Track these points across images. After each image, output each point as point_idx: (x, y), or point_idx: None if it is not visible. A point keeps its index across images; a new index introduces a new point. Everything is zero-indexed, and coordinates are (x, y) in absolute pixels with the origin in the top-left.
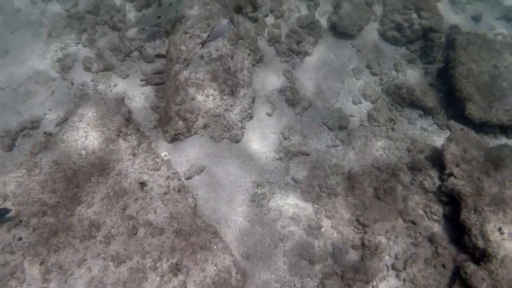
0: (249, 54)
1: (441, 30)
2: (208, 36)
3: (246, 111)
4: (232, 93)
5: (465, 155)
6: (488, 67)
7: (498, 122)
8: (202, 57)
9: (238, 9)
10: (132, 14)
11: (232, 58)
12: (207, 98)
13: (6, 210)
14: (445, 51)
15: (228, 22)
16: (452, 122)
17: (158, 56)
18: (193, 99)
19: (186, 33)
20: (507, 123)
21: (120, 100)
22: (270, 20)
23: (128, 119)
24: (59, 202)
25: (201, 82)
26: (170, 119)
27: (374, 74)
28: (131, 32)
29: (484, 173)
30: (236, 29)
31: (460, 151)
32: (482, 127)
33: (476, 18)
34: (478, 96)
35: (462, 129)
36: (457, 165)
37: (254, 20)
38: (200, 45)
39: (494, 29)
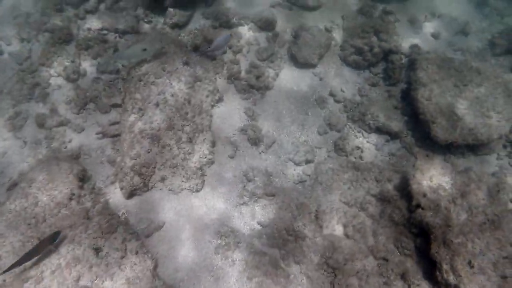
0: (207, 96)
1: (400, 51)
2: (209, 47)
3: (206, 157)
4: (190, 140)
5: (431, 184)
6: (449, 87)
7: (464, 142)
8: (157, 105)
9: (195, 48)
10: (87, 63)
11: (189, 102)
12: (163, 149)
13: (58, 233)
14: (407, 71)
15: (230, 35)
16: (417, 149)
17: (114, 105)
18: (148, 152)
19: (140, 80)
20: (472, 142)
21: (74, 158)
22: (228, 56)
23: (83, 178)
24: (4, 280)
25: (157, 132)
26: (126, 175)
27: (338, 102)
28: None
29: (451, 202)
30: (193, 70)
31: (427, 180)
32: (449, 147)
33: (435, 36)
34: (442, 117)
35: (427, 155)
36: (424, 195)
37: (212, 58)
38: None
39: (453, 45)
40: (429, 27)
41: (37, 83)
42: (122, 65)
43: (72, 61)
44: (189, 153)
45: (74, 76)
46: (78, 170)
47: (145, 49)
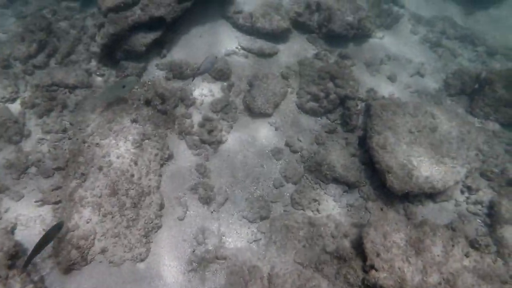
0: (156, 155)
1: (357, 96)
2: (198, 69)
3: (152, 222)
4: (135, 204)
5: (385, 242)
6: (404, 133)
7: (420, 191)
8: (101, 168)
9: (147, 103)
10: (32, 122)
11: (136, 163)
12: (104, 218)
13: (62, 222)
14: (364, 117)
15: (216, 57)
16: (370, 203)
17: (58, 169)
18: (88, 222)
19: (84, 142)
20: (429, 190)
21: (7, 232)
22: (180, 110)
23: (15, 255)
24: None
25: (98, 199)
26: (62, 249)
27: (294, 152)
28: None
29: (406, 261)
30: (142, 128)
31: (380, 238)
32: (407, 195)
33: (391, 78)
34: (397, 166)
35: (382, 209)
36: (378, 255)
37: (163, 112)
38: (192, 79)
39: (409, 87)
40: (385, 69)
41: None
42: (70, 123)
43: (15, 122)
44: (133, 220)
45: (16, 138)
46: (9, 246)
47: (124, 86)
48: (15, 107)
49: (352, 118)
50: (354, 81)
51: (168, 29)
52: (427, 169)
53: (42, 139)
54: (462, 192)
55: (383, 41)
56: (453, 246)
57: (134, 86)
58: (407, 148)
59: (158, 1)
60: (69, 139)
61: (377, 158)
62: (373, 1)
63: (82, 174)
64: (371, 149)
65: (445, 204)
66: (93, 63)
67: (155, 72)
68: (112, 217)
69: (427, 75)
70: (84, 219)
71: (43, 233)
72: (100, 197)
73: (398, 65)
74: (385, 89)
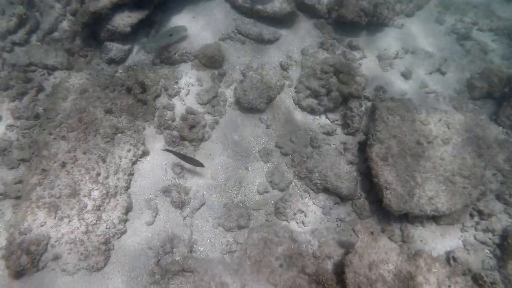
0: (128, 151)
1: (362, 96)
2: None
3: (114, 228)
4: (98, 207)
5: (370, 274)
6: (410, 144)
7: (421, 213)
8: (64, 165)
9: (128, 91)
10: (4, 106)
11: (104, 160)
12: (60, 222)
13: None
14: (369, 119)
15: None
16: (359, 226)
17: (23, 160)
18: (42, 225)
19: (50, 134)
20: (431, 213)
21: None
22: (162, 100)
23: None
24: None
25: (56, 200)
26: (12, 253)
27: (285, 154)
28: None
29: None
30: (116, 120)
31: (365, 269)
32: (406, 214)
33: (405, 75)
34: (398, 182)
35: (372, 233)
36: None
37: (144, 102)
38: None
39: (425, 87)
40: (400, 64)
41: None
42: (44, 109)
43: None
44: (93, 224)
45: None
46: None
47: (171, 34)
48: None
49: (354, 120)
50: (362, 76)
51: (157, 8)
52: (432, 188)
53: (12, 125)
54: (471, 215)
55: (402, 30)
56: (449, 287)
57: (182, 35)
58: (412, 162)
59: None
60: (41, 127)
61: (376, 171)
62: None
63: (43, 170)
64: (370, 160)
65: (449, 228)
66: (78, 42)
67: (141, 55)
68: (69, 221)
69: (449, 73)
70: (38, 222)
71: None
72: (59, 197)
73: (416, 59)
74: (397, 88)
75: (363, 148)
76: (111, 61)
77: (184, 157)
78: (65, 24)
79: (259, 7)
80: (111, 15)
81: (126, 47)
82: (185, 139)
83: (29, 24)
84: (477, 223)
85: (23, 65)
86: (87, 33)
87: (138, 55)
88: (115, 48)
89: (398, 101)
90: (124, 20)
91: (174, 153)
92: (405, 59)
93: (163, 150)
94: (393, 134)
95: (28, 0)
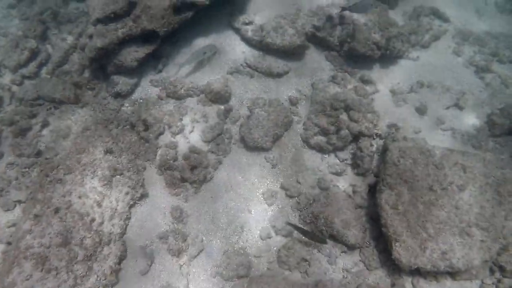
0: (126, 193)
1: (373, 134)
2: (350, 6)
3: (105, 279)
4: (89, 257)
5: None
6: (423, 190)
7: (434, 269)
8: (57, 211)
9: (132, 127)
10: (8, 142)
11: (100, 204)
12: (47, 274)
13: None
14: (380, 158)
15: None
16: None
17: (19, 202)
18: (27, 279)
19: (47, 176)
20: (445, 269)
21: None
22: (165, 138)
23: None
24: None
25: (45, 251)
26: None
27: (290, 197)
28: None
29: None
30: (116, 160)
31: None
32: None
33: (420, 110)
34: (408, 233)
35: None
36: None
37: (146, 140)
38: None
39: (442, 123)
40: (415, 99)
41: None
42: (46, 146)
43: None
44: (83, 276)
45: None
46: None
47: (205, 52)
48: None
49: (364, 161)
50: (373, 113)
51: (164, 41)
52: (446, 240)
53: (12, 163)
54: (491, 271)
55: (417, 62)
56: None
57: (214, 53)
58: (425, 210)
59: (151, 12)
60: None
61: (385, 220)
62: (411, 13)
63: (36, 215)
64: (379, 208)
65: (467, 285)
66: (86, 74)
67: (148, 88)
68: (57, 273)
69: (467, 108)
70: (24, 276)
71: None
72: (48, 247)
73: (432, 93)
74: (411, 124)
75: (373, 191)
76: (117, 95)
77: (305, 233)
78: (75, 57)
79: (268, 40)
80: (118, 49)
81: (133, 80)
82: (186, 180)
83: (40, 57)
84: (499, 281)
85: (31, 99)
86: (95, 66)
87: (145, 88)
88: (121, 82)
89: (411, 141)
90: (131, 54)
91: (297, 228)
92: (420, 93)
93: (287, 224)
94: (404, 179)
95: (41, 33)
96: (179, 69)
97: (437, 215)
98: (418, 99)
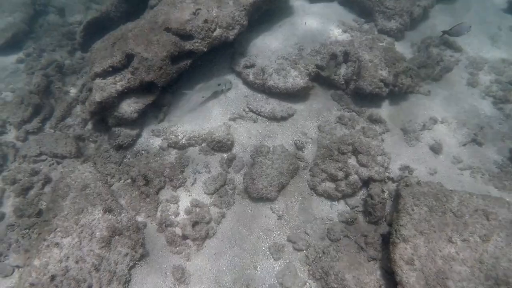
0: (126, 255)
1: (384, 179)
2: (449, 30)
3: None
4: None
5: None
6: (441, 243)
7: None
8: (53, 278)
9: (133, 181)
10: (10, 202)
11: (97, 269)
12: None
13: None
14: (393, 204)
15: (470, 26)
16: None
17: (18, 267)
18: None
19: (44, 239)
20: None
21: None
22: (166, 193)
23: None
24: None
25: None
26: None
27: (298, 250)
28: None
29: None
30: (115, 219)
31: None
32: None
33: (435, 149)
34: None
35: None
36: None
37: (147, 195)
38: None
39: (459, 162)
40: (429, 137)
41: None
42: (47, 205)
43: None
44: None
45: None
46: None
47: (219, 84)
48: None
49: (376, 209)
50: (384, 155)
51: (165, 89)
52: None
53: (13, 225)
54: None
55: (429, 97)
56: None
57: (229, 86)
58: (444, 266)
59: (148, 64)
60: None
61: (400, 277)
62: (419, 45)
63: (31, 284)
64: (394, 263)
65: None
66: (89, 126)
67: (150, 139)
68: None
69: (487, 144)
70: None
71: None
72: None
73: (447, 130)
74: (426, 165)
75: (387, 240)
76: (119, 147)
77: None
78: (78, 109)
79: (270, 83)
80: (118, 102)
81: (134, 132)
82: (188, 237)
83: (44, 112)
84: None
85: (33, 156)
86: (96, 119)
87: (146, 138)
88: (122, 134)
89: (425, 185)
90: (130, 106)
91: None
92: (434, 130)
93: None
94: (419, 230)
95: (45, 88)
96: (190, 98)
97: (458, 272)
98: (432, 137)
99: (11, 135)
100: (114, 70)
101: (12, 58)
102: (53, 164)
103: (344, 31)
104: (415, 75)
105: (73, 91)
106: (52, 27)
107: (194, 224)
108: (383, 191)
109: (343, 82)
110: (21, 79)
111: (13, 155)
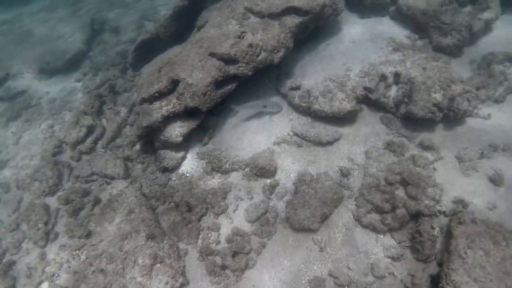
0: (166, 283)
1: (435, 213)
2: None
3: None
4: None
5: None
6: None
7: None
8: None
9: (177, 206)
10: (63, 221)
11: None
12: None
13: None
14: (444, 241)
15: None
16: None
17: None
18: None
19: (91, 265)
20: None
21: None
22: (208, 220)
23: None
24: None
25: None
26: None
27: (340, 286)
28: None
29: None
30: (157, 246)
31: None
32: None
33: (495, 181)
34: None
35: None
36: None
37: (189, 221)
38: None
39: None
40: (487, 166)
41: None
42: (96, 226)
43: (45, 223)
44: None
45: (42, 243)
46: None
47: (265, 106)
48: (54, 201)
49: (425, 247)
50: (435, 187)
51: (210, 113)
52: None
53: (65, 245)
54: None
55: (489, 121)
56: None
57: (277, 110)
58: None
59: (193, 90)
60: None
61: None
62: (479, 62)
63: None
64: None
65: None
66: (137, 147)
67: (194, 162)
68: None
69: None
70: None
71: None
72: None
73: (509, 159)
74: (483, 199)
75: (436, 282)
76: (165, 170)
77: None
78: (127, 130)
79: (316, 107)
80: (164, 126)
81: (179, 155)
82: (227, 268)
83: (96, 132)
84: None
85: (85, 176)
86: (144, 141)
87: (191, 161)
88: (168, 157)
89: (482, 224)
90: (176, 130)
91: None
92: (494, 158)
93: None
94: (473, 277)
95: (98, 108)
96: (236, 111)
97: None
98: (491, 167)
99: (66, 155)
100: (161, 95)
101: (71, 77)
102: (103, 184)
103: (396, 49)
104: (473, 98)
105: (123, 110)
106: (107, 46)
107: (234, 254)
108: (432, 228)
109: (392, 105)
110: (78, 99)
111: (68, 175)
